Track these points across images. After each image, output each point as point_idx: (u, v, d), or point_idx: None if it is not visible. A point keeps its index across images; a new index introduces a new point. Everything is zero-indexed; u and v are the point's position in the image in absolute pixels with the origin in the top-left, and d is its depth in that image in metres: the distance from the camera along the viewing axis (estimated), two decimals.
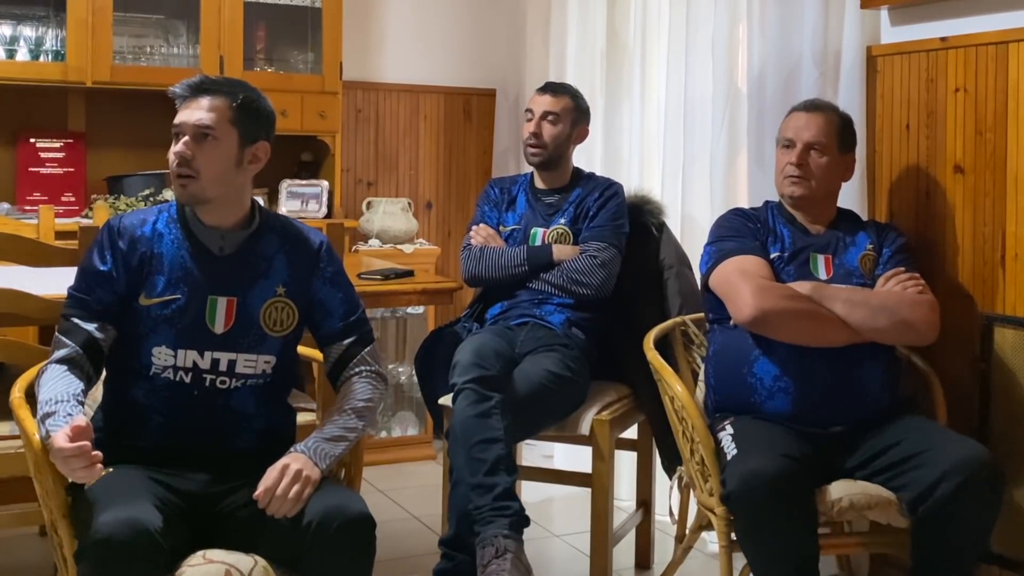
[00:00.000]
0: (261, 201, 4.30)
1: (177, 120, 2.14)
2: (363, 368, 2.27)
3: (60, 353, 2.12)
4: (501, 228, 3.24)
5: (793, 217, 2.77)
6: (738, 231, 2.74)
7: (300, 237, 2.27)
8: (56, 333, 2.15)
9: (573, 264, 3.08)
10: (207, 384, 2.15)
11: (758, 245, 2.70)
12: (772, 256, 2.70)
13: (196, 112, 2.13)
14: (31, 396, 2.17)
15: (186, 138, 2.11)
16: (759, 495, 2.31)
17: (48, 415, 1.99)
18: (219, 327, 2.14)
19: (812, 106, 2.77)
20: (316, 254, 2.26)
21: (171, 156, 2.13)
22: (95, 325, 2.13)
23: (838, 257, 2.71)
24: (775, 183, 2.79)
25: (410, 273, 3.20)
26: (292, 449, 2.11)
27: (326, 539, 1.98)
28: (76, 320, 2.13)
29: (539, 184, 3.27)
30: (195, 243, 2.17)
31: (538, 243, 3.18)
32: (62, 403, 2.00)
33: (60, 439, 1.91)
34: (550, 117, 3.20)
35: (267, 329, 2.18)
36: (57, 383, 2.05)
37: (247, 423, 2.20)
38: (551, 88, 3.28)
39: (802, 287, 2.59)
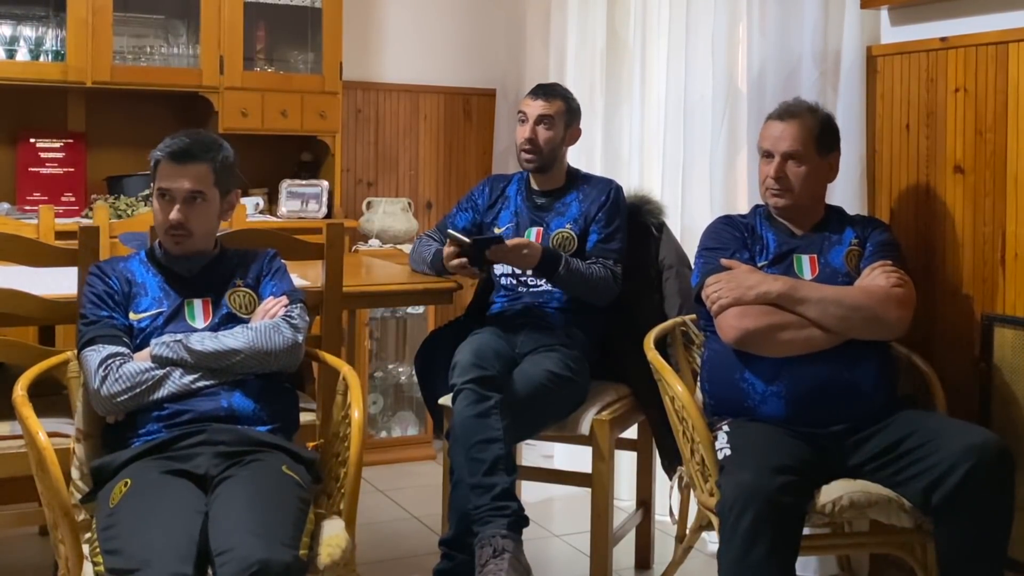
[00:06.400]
0: (261, 201, 4.32)
1: (164, 185, 2.39)
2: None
3: (111, 348, 2.29)
4: (497, 230, 3.23)
5: (780, 223, 2.76)
6: (725, 243, 2.74)
7: (252, 254, 2.56)
8: (89, 343, 2.30)
9: (602, 276, 3.04)
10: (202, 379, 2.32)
11: (745, 259, 2.70)
12: (759, 265, 2.69)
13: (185, 180, 2.38)
14: (33, 395, 2.18)
15: (178, 205, 2.37)
16: (750, 522, 2.29)
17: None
18: (200, 323, 2.40)
19: (787, 113, 2.73)
20: (266, 262, 2.54)
21: (159, 217, 2.40)
22: (123, 339, 2.34)
23: (823, 256, 2.70)
24: (759, 192, 2.78)
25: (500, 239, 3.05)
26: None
27: None
28: (109, 333, 2.32)
29: (535, 185, 3.25)
30: (168, 273, 2.45)
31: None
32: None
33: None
34: (545, 122, 3.15)
35: (236, 311, 2.43)
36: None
37: (241, 396, 2.34)
38: (544, 92, 3.22)
39: (775, 284, 2.58)
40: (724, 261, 2.68)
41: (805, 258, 2.70)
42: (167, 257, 2.45)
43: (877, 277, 2.60)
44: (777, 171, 2.69)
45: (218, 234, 2.52)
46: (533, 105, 3.18)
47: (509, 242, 2.97)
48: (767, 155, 2.73)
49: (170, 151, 2.39)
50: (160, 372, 2.28)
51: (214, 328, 2.39)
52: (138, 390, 2.25)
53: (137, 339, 2.36)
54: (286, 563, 1.92)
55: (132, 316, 2.37)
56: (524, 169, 3.22)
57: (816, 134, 2.71)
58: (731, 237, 2.75)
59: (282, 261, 2.57)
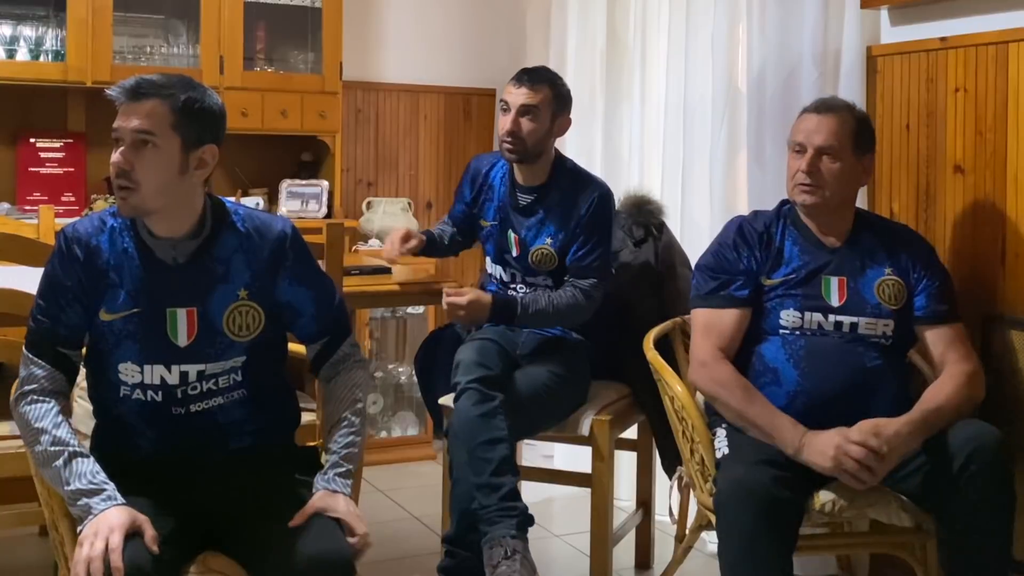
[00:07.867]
0: (261, 201, 4.31)
1: (115, 125, 1.97)
2: (342, 365, 2.19)
3: (36, 385, 2.02)
4: (483, 223, 3.11)
5: (806, 228, 2.60)
6: (720, 271, 2.61)
7: (260, 231, 2.10)
8: (27, 352, 2.04)
9: (568, 302, 2.93)
10: (184, 405, 2.05)
11: (739, 287, 2.57)
12: (777, 280, 2.56)
13: (134, 118, 1.96)
14: None
15: (123, 147, 1.96)
16: (746, 516, 2.27)
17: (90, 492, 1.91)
18: (182, 339, 2.02)
19: (824, 107, 2.58)
20: (279, 248, 2.10)
21: (111, 165, 2.00)
22: (66, 348, 2.04)
23: (853, 280, 2.54)
24: (787, 189, 2.62)
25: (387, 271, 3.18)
26: (316, 489, 2.03)
27: None
28: (48, 342, 2.03)
29: (518, 178, 3.05)
30: (148, 254, 2.04)
31: (514, 249, 3.04)
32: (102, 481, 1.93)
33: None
34: (529, 113, 2.89)
35: (232, 336, 2.06)
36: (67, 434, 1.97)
37: (239, 429, 2.11)
38: (529, 77, 2.93)
39: (910, 445, 2.36)
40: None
41: (834, 281, 2.54)
42: (150, 236, 2.04)
43: (963, 362, 2.49)
44: (810, 165, 2.51)
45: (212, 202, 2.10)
46: (516, 93, 2.92)
47: (448, 301, 2.87)
48: (799, 149, 2.55)
49: (122, 87, 1.98)
50: (60, 463, 1.93)
51: (196, 347, 2.02)
52: (34, 456, 2.00)
53: (113, 341, 2.02)
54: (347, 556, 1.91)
55: (104, 316, 2.01)
56: (506, 159, 3.02)
57: (854, 132, 2.55)
58: (734, 259, 2.60)
59: (306, 247, 2.16)
